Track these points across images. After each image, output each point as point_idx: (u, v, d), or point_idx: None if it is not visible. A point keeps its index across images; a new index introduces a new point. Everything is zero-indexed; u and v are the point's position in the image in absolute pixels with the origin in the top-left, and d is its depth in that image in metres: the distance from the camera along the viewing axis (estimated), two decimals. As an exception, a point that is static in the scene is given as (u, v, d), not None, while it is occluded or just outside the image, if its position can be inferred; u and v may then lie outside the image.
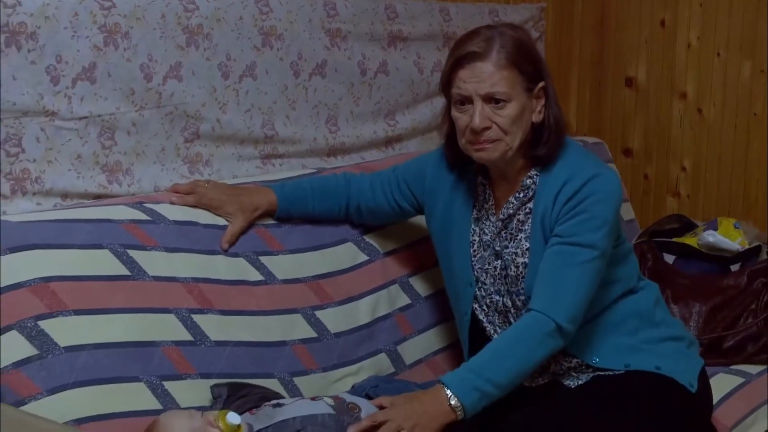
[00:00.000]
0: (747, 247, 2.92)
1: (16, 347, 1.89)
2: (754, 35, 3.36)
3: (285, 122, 2.68)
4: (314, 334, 2.30)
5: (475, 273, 2.24)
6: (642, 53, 3.65)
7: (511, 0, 3.40)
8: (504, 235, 2.21)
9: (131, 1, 2.31)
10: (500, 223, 2.21)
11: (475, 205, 2.27)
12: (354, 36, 2.82)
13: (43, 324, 1.92)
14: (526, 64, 2.14)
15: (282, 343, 2.24)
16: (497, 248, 2.21)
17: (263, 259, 2.30)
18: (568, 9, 3.70)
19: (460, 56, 2.13)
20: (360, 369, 2.35)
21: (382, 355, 2.41)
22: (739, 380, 2.55)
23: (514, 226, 2.20)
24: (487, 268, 2.23)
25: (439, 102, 3.02)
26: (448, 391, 2.01)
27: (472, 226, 2.26)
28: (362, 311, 2.42)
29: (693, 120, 3.56)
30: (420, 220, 2.56)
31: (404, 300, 2.52)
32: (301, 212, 2.40)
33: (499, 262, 2.21)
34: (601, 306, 2.19)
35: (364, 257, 2.48)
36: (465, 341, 2.31)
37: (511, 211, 2.20)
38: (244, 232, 2.29)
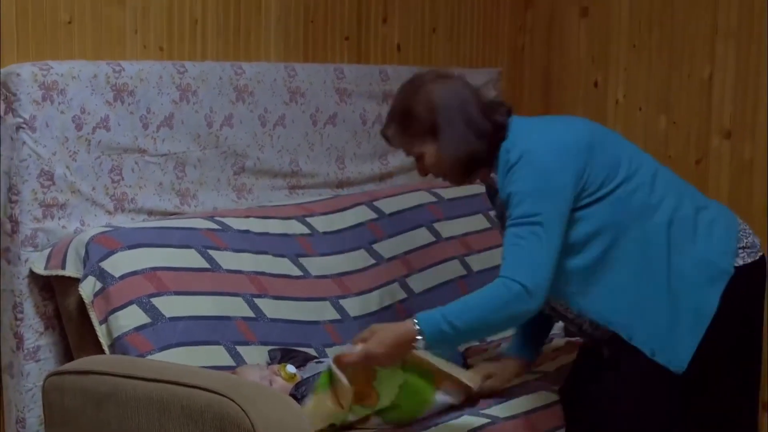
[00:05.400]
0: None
1: (136, 316, 2.53)
2: (667, 94, 3.79)
3: (306, 160, 3.31)
4: (339, 317, 2.93)
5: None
6: (579, 108, 4.02)
7: (475, 65, 4.02)
8: (504, 215, 2.48)
9: (199, 67, 2.99)
10: (500, 207, 2.55)
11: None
12: (357, 94, 3.44)
13: (154, 300, 2.56)
14: (416, 125, 2.45)
15: (316, 323, 2.87)
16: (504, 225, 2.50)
17: (302, 259, 2.96)
18: (519, 72, 4.21)
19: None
20: (372, 346, 3.01)
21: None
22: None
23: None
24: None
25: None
26: (416, 319, 2.31)
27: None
28: (372, 302, 3.03)
29: (621, 162, 4.16)
30: (408, 237, 3.27)
31: (402, 294, 3.12)
32: None
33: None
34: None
35: (372, 261, 3.12)
36: None
37: (499, 201, 2.51)
38: None
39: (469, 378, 2.53)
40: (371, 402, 2.41)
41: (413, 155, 2.54)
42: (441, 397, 2.51)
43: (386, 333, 2.33)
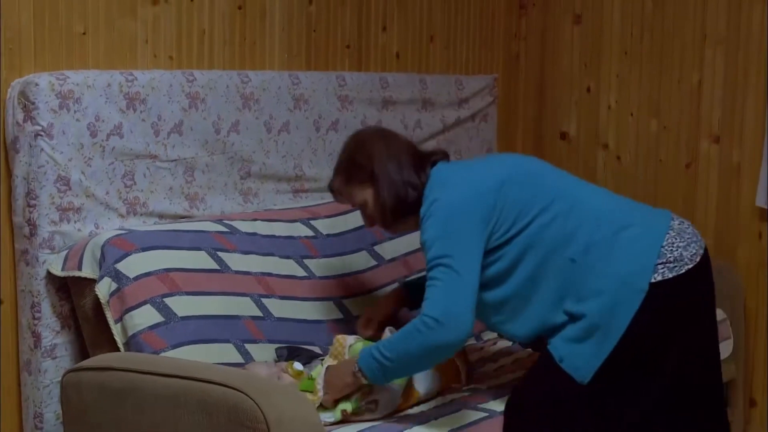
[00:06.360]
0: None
1: (150, 316, 2.64)
2: (658, 99, 3.89)
3: (309, 165, 3.43)
4: (341, 316, 3.04)
5: None
6: (573, 113, 4.14)
7: (471, 72, 4.14)
8: None
9: (207, 75, 3.10)
10: None
11: None
12: (358, 101, 3.55)
13: (167, 300, 2.68)
14: (358, 174, 2.69)
15: (320, 322, 2.98)
16: None
17: (306, 261, 3.07)
18: (515, 79, 4.31)
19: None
20: (374, 343, 3.11)
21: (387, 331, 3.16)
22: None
23: None
24: None
25: (420, 151, 3.83)
26: (357, 359, 2.54)
27: None
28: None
29: (613, 166, 4.04)
30: (408, 239, 3.37)
31: (402, 294, 3.25)
32: None
33: None
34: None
35: (374, 262, 3.23)
36: None
37: None
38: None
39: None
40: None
41: (357, 205, 2.76)
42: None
43: (334, 379, 2.59)
